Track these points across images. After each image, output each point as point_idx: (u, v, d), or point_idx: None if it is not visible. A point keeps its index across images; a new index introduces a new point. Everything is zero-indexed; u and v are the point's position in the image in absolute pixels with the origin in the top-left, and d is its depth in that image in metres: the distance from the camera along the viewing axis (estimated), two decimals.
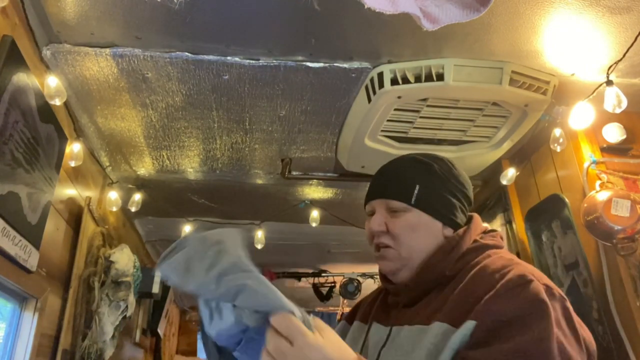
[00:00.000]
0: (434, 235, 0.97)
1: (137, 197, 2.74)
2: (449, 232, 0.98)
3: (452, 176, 1.01)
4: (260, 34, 1.64)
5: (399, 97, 1.85)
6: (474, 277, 0.88)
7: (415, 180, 0.98)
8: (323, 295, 4.58)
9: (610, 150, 1.99)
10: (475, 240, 0.97)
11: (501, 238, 1.02)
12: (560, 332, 0.77)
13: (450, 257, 0.94)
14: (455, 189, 1.00)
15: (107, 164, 2.52)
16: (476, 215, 1.04)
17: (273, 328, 0.66)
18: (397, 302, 0.99)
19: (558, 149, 1.99)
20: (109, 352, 2.39)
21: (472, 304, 0.82)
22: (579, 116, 1.81)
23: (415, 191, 0.96)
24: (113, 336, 2.41)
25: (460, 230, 0.98)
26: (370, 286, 4.27)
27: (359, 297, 4.42)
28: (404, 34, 1.64)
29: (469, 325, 0.79)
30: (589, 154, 1.97)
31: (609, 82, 1.69)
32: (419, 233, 0.96)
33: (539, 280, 0.82)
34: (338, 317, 5.49)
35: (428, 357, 0.82)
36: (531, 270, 0.85)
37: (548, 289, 0.81)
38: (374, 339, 0.98)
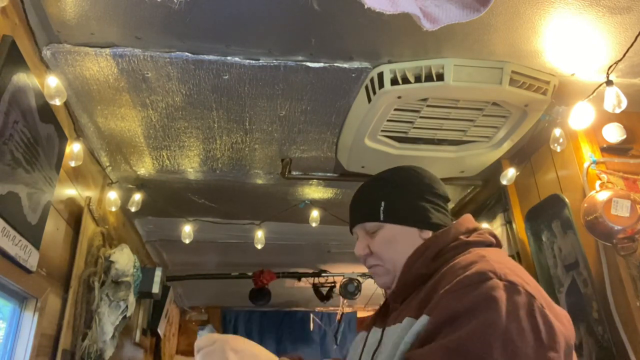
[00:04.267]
0: (412, 242, 1.01)
1: (137, 197, 2.74)
2: (427, 234, 1.02)
3: (416, 181, 1.07)
4: (260, 34, 1.64)
5: (399, 97, 1.85)
6: (444, 273, 0.90)
7: (380, 198, 1.06)
8: (323, 295, 4.57)
9: (610, 150, 1.99)
10: (458, 239, 0.98)
11: (493, 236, 1.01)
12: (514, 326, 0.75)
13: (424, 257, 0.97)
14: (422, 192, 1.05)
15: (107, 164, 2.52)
16: (466, 215, 1.05)
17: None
18: (395, 308, 1.03)
19: (558, 149, 1.99)
20: (109, 352, 2.39)
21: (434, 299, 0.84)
22: (579, 116, 1.81)
23: (382, 208, 1.04)
24: (113, 336, 2.41)
25: (439, 231, 1.02)
26: (370, 286, 4.26)
27: (359, 297, 4.44)
28: (404, 34, 1.64)
29: (423, 320, 0.82)
30: (589, 154, 1.97)
31: (609, 82, 1.68)
32: (396, 244, 1.02)
33: (503, 277, 0.80)
34: (338, 317, 5.48)
35: (395, 350, 0.86)
36: (498, 267, 0.82)
37: (511, 285, 0.79)
38: (370, 342, 1.03)
